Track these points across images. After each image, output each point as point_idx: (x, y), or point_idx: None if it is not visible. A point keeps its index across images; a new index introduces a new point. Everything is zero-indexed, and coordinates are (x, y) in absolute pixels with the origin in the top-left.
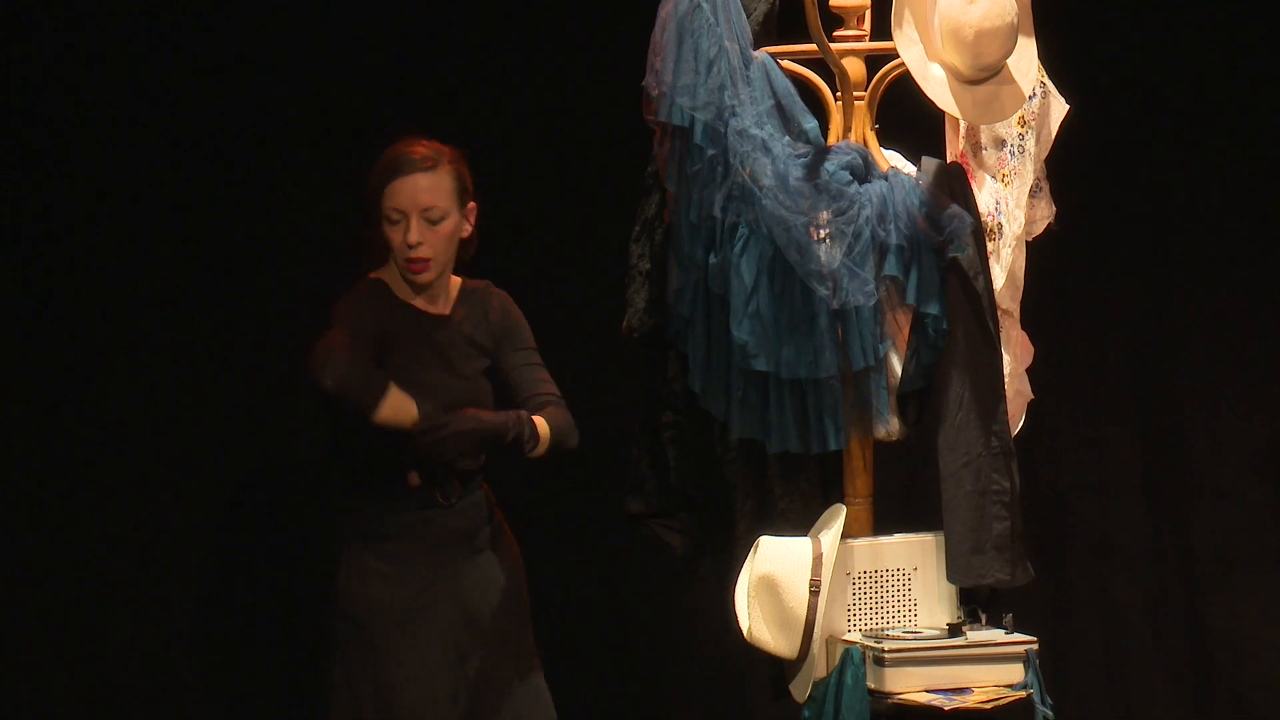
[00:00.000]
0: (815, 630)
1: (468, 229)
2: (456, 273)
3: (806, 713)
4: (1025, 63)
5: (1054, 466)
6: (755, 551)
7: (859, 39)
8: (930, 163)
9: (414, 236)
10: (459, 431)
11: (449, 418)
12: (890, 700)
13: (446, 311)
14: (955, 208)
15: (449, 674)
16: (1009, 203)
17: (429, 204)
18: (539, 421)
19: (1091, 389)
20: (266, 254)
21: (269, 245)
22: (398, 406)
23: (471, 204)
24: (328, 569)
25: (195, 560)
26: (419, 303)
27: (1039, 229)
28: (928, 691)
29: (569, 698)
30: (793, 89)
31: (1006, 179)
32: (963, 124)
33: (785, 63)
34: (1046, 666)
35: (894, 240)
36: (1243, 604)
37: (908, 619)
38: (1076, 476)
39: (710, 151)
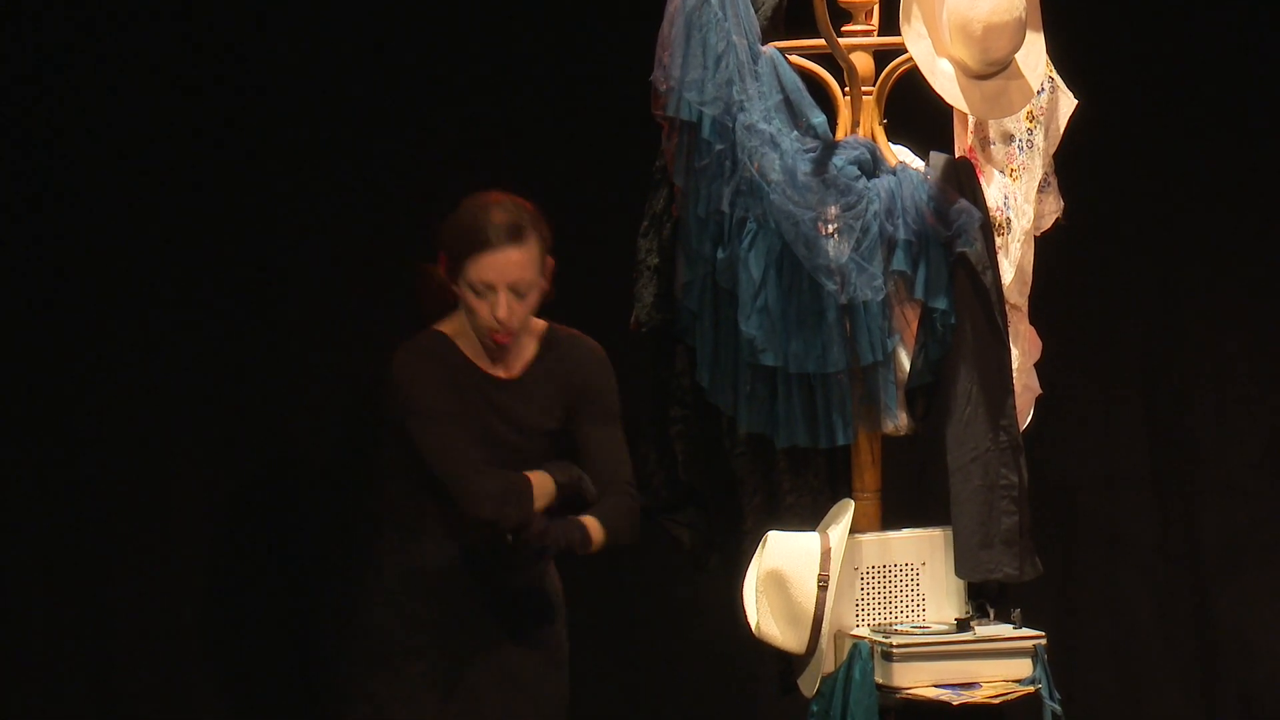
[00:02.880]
0: (823, 625)
1: (546, 286)
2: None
3: (814, 708)
4: (1033, 57)
5: (1062, 461)
6: (763, 546)
7: (867, 34)
8: (938, 158)
9: (503, 313)
10: (542, 546)
11: (546, 530)
12: (898, 695)
13: (515, 374)
14: (963, 203)
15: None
16: (1017, 197)
17: (518, 278)
18: (590, 526)
19: (1100, 383)
20: (273, 248)
21: (276, 240)
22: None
23: (550, 261)
24: (337, 568)
25: (200, 558)
26: (485, 364)
27: (1047, 224)
28: (936, 686)
29: (576, 694)
30: (801, 84)
31: (1015, 174)
32: (971, 119)
33: (793, 57)
34: (1055, 661)
35: (902, 235)
36: (1251, 599)
37: (916, 614)
38: (1085, 471)
39: (718, 146)
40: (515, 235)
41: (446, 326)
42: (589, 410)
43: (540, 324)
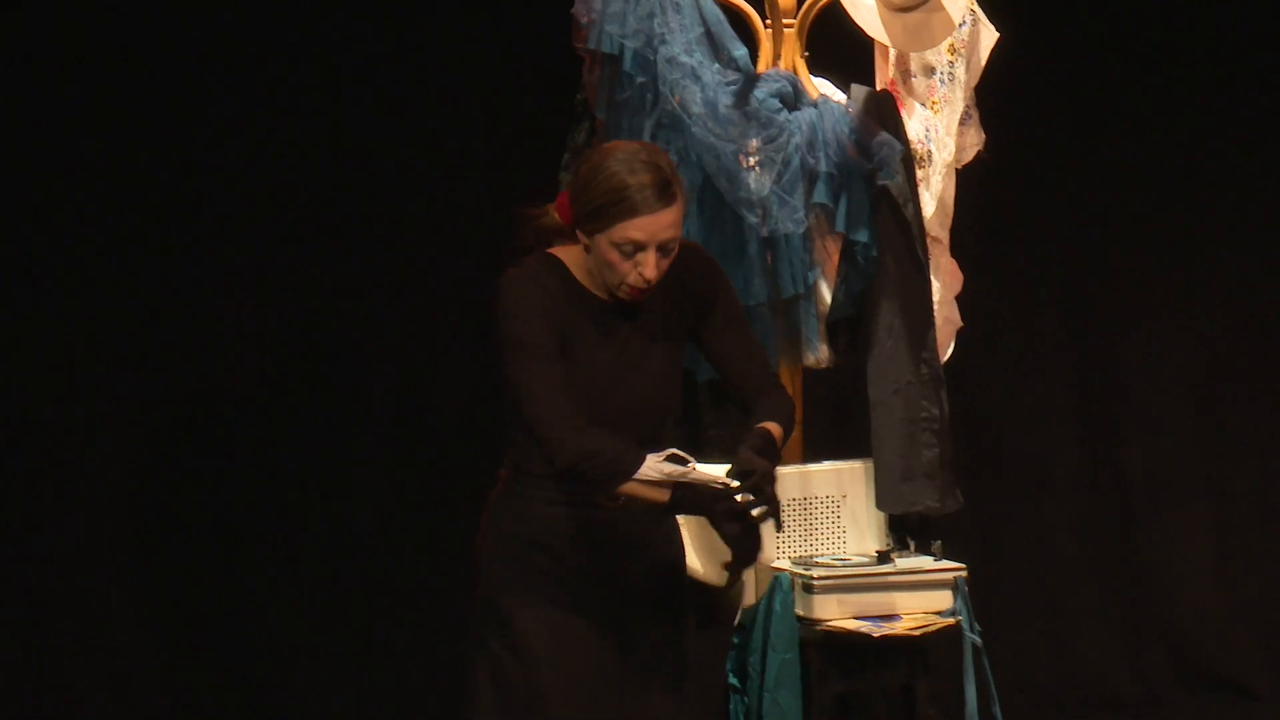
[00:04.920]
0: None
1: None
2: None
3: (735, 640)
4: None
5: (985, 394)
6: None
7: None
8: (860, 90)
9: (651, 273)
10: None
11: (764, 467)
12: (819, 627)
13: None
14: (885, 135)
15: (596, 676)
16: (939, 130)
17: (670, 238)
18: (773, 431)
19: (1023, 316)
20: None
21: (199, 190)
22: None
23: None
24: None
25: (130, 526)
26: (600, 290)
27: (969, 156)
28: (856, 618)
29: None
30: (722, 16)
31: (936, 106)
32: (892, 51)
33: None
34: (977, 594)
35: (824, 168)
36: (1174, 531)
37: (837, 546)
38: (1008, 404)
39: (640, 79)
40: (667, 195)
41: (560, 252)
42: (715, 317)
43: None
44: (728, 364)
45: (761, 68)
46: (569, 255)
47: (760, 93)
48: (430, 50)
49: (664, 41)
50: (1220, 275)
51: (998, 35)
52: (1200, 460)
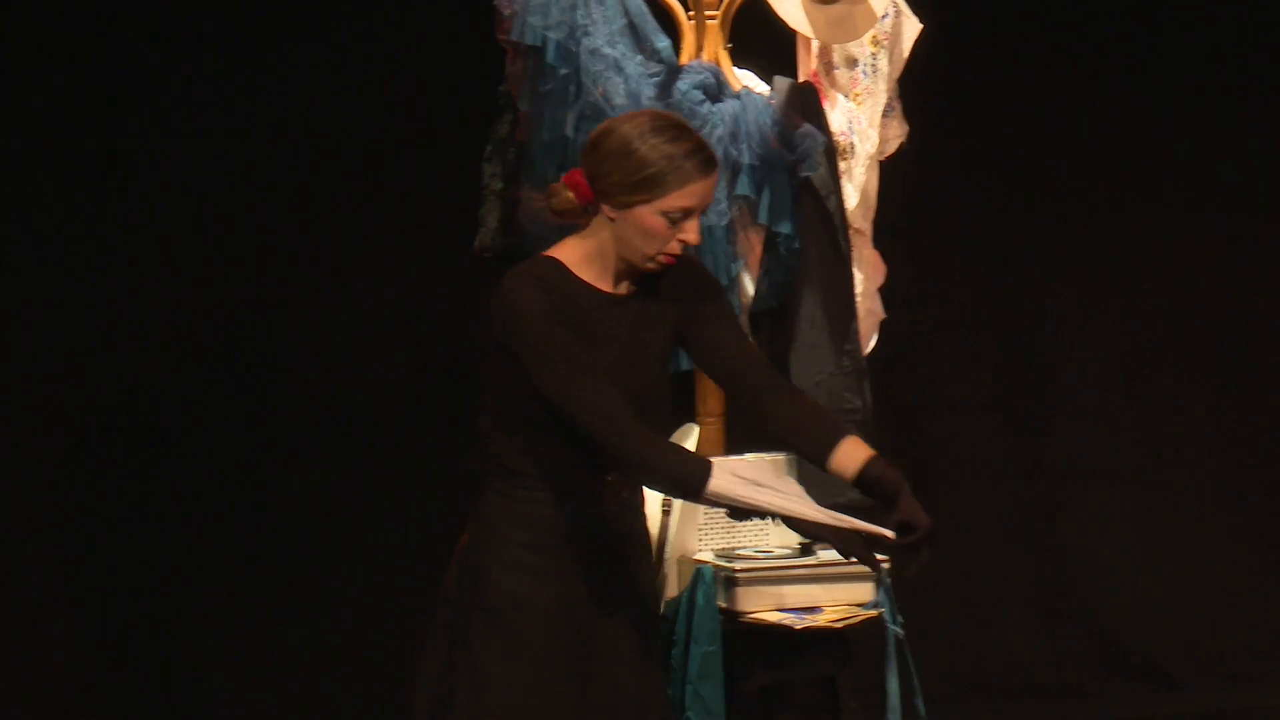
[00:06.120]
0: (667, 549)
1: None
2: None
3: None
4: None
5: (908, 385)
6: None
7: None
8: (783, 82)
9: (695, 237)
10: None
11: (928, 525)
12: (742, 619)
13: (625, 291)
14: (808, 127)
15: (580, 682)
16: (862, 122)
17: (711, 202)
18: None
19: (945, 307)
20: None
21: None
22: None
23: None
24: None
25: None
26: (603, 285)
27: (891, 148)
28: (779, 611)
29: None
30: (645, 8)
31: (859, 98)
32: (815, 43)
33: None
34: (900, 585)
35: (746, 160)
36: (1096, 520)
37: (759, 539)
38: (931, 394)
39: (563, 71)
40: (713, 160)
41: (558, 253)
42: (712, 309)
43: None
44: (725, 360)
45: (684, 59)
46: (565, 254)
47: (683, 84)
48: (354, 41)
49: (587, 33)
50: (1141, 265)
51: (921, 27)
52: (1122, 448)
